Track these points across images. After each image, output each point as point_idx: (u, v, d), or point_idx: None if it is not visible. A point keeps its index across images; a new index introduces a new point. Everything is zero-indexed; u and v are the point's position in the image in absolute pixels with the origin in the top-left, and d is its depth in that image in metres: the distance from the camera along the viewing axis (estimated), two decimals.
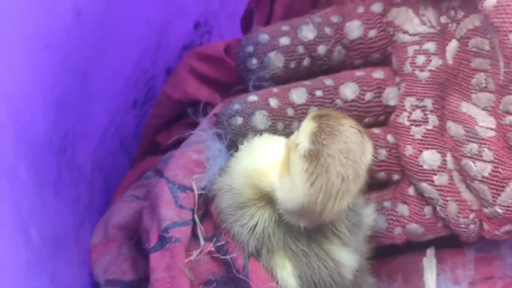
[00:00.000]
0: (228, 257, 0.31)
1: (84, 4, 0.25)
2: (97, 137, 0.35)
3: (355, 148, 0.28)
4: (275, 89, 0.35)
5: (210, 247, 0.31)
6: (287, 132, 0.34)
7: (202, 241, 0.32)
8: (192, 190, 0.33)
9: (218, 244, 0.31)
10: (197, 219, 0.32)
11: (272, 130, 0.34)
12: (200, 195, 0.33)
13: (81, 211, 0.33)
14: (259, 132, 0.34)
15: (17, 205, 0.20)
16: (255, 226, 0.30)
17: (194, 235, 0.32)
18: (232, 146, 0.34)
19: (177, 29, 0.39)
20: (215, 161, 0.34)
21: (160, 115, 0.43)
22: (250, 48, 0.35)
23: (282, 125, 0.34)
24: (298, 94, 0.35)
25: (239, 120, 0.34)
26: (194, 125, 0.37)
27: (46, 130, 0.26)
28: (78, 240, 0.32)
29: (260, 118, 0.34)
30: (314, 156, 0.27)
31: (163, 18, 0.37)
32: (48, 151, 0.26)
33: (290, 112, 0.34)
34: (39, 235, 0.22)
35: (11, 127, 0.22)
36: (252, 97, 0.34)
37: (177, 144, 0.40)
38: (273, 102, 0.34)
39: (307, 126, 0.28)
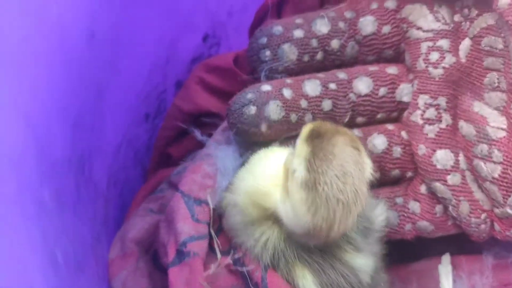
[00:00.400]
0: (245, 269, 0.31)
1: (97, 25, 0.26)
2: (111, 153, 0.35)
3: (353, 169, 0.27)
4: (288, 80, 0.34)
5: (227, 260, 0.31)
6: (300, 124, 0.33)
7: (219, 255, 0.32)
8: (207, 204, 0.33)
9: (235, 257, 0.31)
10: (213, 233, 0.33)
11: (285, 121, 0.33)
12: (214, 209, 0.33)
13: (98, 227, 0.34)
14: (272, 122, 0.33)
15: (43, 230, 0.20)
16: (267, 241, 0.30)
17: (210, 248, 0.32)
18: (242, 155, 0.34)
19: (186, 43, 0.40)
20: (223, 176, 0.34)
21: (172, 128, 0.43)
22: (264, 40, 0.35)
23: (296, 116, 0.34)
24: (311, 86, 0.34)
25: (252, 110, 0.33)
26: (203, 136, 0.38)
27: (65, 151, 0.26)
28: (96, 256, 0.33)
29: (273, 108, 0.33)
30: (311, 186, 0.27)
31: (172, 33, 0.38)
32: (67, 172, 0.27)
33: (303, 103, 0.34)
34: (63, 257, 0.23)
35: (34, 151, 0.22)
36: (266, 87, 0.34)
37: (189, 155, 0.40)
38: (287, 93, 0.34)
39: (301, 150, 0.28)
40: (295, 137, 0.32)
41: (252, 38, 0.35)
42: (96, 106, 0.30)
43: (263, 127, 0.33)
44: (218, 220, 0.34)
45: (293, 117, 0.33)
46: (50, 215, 0.22)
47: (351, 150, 0.28)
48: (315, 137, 0.28)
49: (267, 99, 0.33)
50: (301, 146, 0.28)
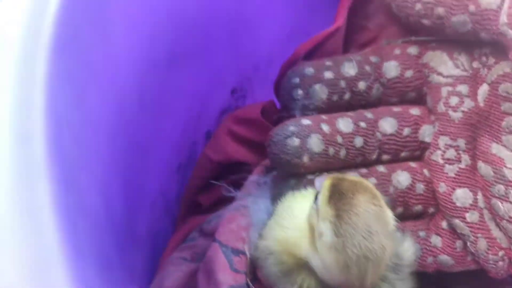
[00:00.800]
0: None
1: (145, 90, 0.27)
2: (148, 207, 0.37)
3: (377, 227, 0.28)
4: (324, 116, 0.36)
5: None
6: (336, 158, 0.35)
7: None
8: (244, 253, 0.34)
9: None
10: (249, 282, 0.34)
11: (325, 154, 0.35)
12: (250, 258, 0.34)
13: (136, 280, 0.35)
14: (313, 154, 0.34)
15: None
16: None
17: None
18: (274, 205, 0.36)
19: (216, 97, 0.41)
20: (256, 227, 0.35)
21: (201, 177, 0.44)
22: (296, 80, 0.37)
23: (333, 150, 0.35)
24: (344, 123, 0.36)
25: (296, 141, 0.34)
26: (234, 185, 0.39)
27: (115, 210, 0.28)
28: None
29: (315, 141, 0.35)
30: (340, 249, 0.28)
31: (206, 89, 0.39)
32: (116, 233, 0.28)
33: (339, 139, 0.35)
34: None
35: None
36: (306, 121, 0.35)
37: (218, 204, 0.41)
38: (325, 128, 0.35)
39: (326, 212, 0.29)
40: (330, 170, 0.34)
41: (285, 78, 0.37)
42: (142, 164, 0.31)
43: (305, 159, 0.34)
44: (252, 270, 0.35)
45: (331, 151, 0.35)
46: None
47: (373, 207, 0.29)
48: (337, 197, 0.29)
49: (309, 132, 0.35)
50: (325, 208, 0.29)
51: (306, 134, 0.34)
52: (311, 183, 0.35)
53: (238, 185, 0.39)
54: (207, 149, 0.44)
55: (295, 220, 0.32)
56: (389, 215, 0.30)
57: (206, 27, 0.34)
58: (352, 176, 0.32)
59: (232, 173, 0.42)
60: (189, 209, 0.46)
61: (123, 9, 0.22)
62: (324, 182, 0.31)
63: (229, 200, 0.38)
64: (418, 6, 0.35)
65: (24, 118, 0.17)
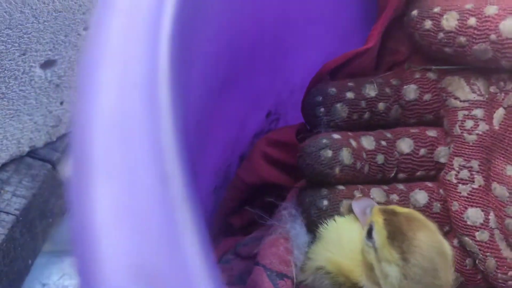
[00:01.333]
0: None
1: (190, 114, 0.28)
2: None
3: (441, 262, 0.29)
4: (349, 133, 0.38)
5: None
6: (361, 172, 0.37)
7: None
8: (288, 277, 0.34)
9: None
10: None
11: (353, 167, 0.37)
12: (296, 282, 0.34)
13: None
14: (344, 166, 0.36)
15: None
16: None
17: None
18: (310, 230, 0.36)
19: (252, 121, 0.42)
20: (299, 251, 0.35)
21: (234, 198, 0.45)
22: (319, 98, 0.39)
23: (360, 164, 0.37)
24: (367, 141, 0.38)
25: (329, 153, 0.36)
26: (266, 208, 0.39)
27: None
28: None
29: (346, 154, 0.36)
30: None
31: (245, 114, 0.40)
32: None
33: (364, 155, 0.37)
34: None
35: None
36: (336, 135, 0.37)
37: (250, 226, 0.42)
38: (353, 143, 0.37)
39: (390, 255, 0.29)
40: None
41: (309, 95, 0.39)
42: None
43: (337, 170, 0.36)
44: None
45: (358, 165, 0.37)
46: None
47: (435, 244, 0.30)
48: (398, 238, 0.30)
49: (340, 145, 0.36)
50: (388, 250, 0.30)
51: (338, 147, 0.36)
52: (342, 195, 0.36)
53: (270, 208, 0.40)
54: (240, 171, 0.45)
55: (344, 249, 0.33)
56: (447, 246, 0.30)
57: (251, 53, 0.35)
58: (399, 207, 0.33)
59: (265, 195, 0.42)
60: (220, 230, 0.46)
61: (201, 36, 0.23)
62: (374, 216, 0.31)
63: (261, 222, 0.38)
64: (441, 35, 0.36)
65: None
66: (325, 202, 0.36)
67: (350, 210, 0.35)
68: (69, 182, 0.16)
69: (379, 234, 0.30)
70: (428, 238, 0.29)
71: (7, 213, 0.48)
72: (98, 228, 0.15)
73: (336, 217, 0.35)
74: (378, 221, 0.31)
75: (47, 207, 0.54)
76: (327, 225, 0.34)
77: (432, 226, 0.31)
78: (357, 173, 0.37)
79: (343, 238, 0.33)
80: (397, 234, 0.30)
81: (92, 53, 0.17)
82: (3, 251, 0.47)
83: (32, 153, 0.53)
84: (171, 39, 0.17)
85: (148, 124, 0.16)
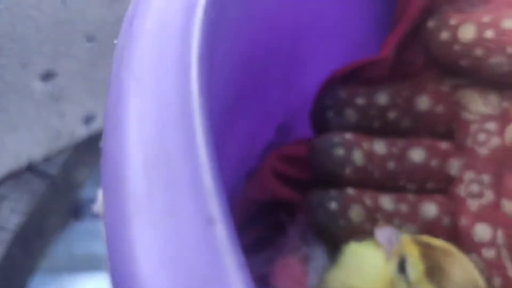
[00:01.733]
0: None
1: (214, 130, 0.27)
2: None
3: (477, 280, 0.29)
4: (361, 135, 0.37)
5: None
6: (372, 178, 0.36)
7: None
8: None
9: None
10: None
11: (364, 170, 0.36)
12: None
13: None
14: (355, 167, 0.35)
15: None
16: None
17: None
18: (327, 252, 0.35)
19: (263, 135, 0.41)
20: (314, 272, 0.34)
21: (241, 215, 0.44)
22: (329, 102, 0.38)
23: (371, 168, 0.36)
24: (379, 146, 0.37)
25: (341, 151, 0.35)
26: (274, 226, 0.38)
27: None
28: None
29: (358, 155, 0.36)
30: None
31: (254, 128, 0.39)
32: None
33: (375, 159, 0.36)
34: None
35: None
36: (348, 135, 0.36)
37: (258, 244, 0.40)
38: (365, 145, 0.36)
39: None
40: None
41: (319, 99, 0.38)
42: None
43: (347, 170, 0.35)
44: None
45: (369, 167, 0.36)
46: None
47: (471, 281, 0.29)
48: (437, 274, 0.29)
49: (352, 145, 0.36)
50: (425, 285, 0.29)
51: (350, 147, 0.36)
52: (351, 199, 0.35)
53: (280, 226, 0.38)
54: (249, 187, 0.44)
55: (366, 278, 0.31)
56: (482, 282, 0.30)
57: (264, 66, 0.34)
58: (431, 238, 0.32)
59: (275, 212, 0.41)
60: None
61: (220, 52, 0.22)
62: (407, 248, 0.31)
63: (268, 241, 0.37)
64: (457, 47, 0.36)
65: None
66: (334, 205, 0.35)
67: (361, 220, 0.34)
68: (105, 222, 0.15)
69: (415, 268, 0.29)
70: (466, 275, 0.29)
71: (6, 229, 0.47)
72: (143, 280, 0.14)
73: (355, 243, 0.33)
74: (413, 254, 0.30)
75: (45, 224, 0.53)
76: (346, 249, 0.33)
77: (466, 260, 0.30)
78: (367, 177, 0.36)
79: (365, 266, 0.32)
80: (435, 269, 0.29)
81: (124, 80, 0.15)
82: (1, 270, 0.45)
83: (31, 167, 0.52)
84: (200, 59, 0.16)
85: (189, 163, 0.15)
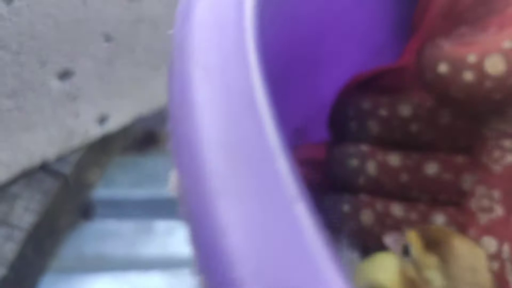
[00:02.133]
0: None
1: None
2: None
3: (478, 263, 0.30)
4: (376, 147, 0.38)
5: None
6: (384, 189, 0.37)
7: None
8: None
9: None
10: None
11: (377, 180, 0.37)
12: None
13: None
14: (369, 177, 0.37)
15: None
16: None
17: None
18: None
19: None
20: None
21: None
22: (351, 112, 0.38)
23: (383, 178, 0.37)
24: (394, 158, 0.37)
25: (355, 162, 0.36)
26: None
27: None
28: None
29: (372, 166, 0.37)
30: None
31: None
32: None
33: (388, 171, 0.37)
34: None
35: None
36: (364, 147, 0.37)
37: None
38: (380, 157, 0.37)
39: (429, 260, 0.30)
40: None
41: (341, 108, 0.39)
42: None
43: (361, 180, 0.36)
44: None
45: (382, 178, 0.37)
46: None
47: (469, 247, 0.31)
48: (433, 245, 0.30)
49: (367, 157, 0.37)
50: (425, 256, 0.30)
51: (365, 158, 0.36)
52: (363, 204, 0.36)
53: None
54: None
55: (388, 271, 0.32)
56: (481, 250, 0.31)
57: (285, 70, 0.34)
58: (429, 226, 0.34)
59: None
60: None
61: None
62: (407, 236, 0.32)
63: None
64: (488, 83, 0.34)
65: None
66: (346, 207, 0.36)
67: (371, 223, 0.35)
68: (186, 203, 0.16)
69: (415, 245, 0.31)
70: (463, 243, 0.30)
71: (20, 228, 0.47)
72: (232, 253, 0.15)
73: (367, 261, 0.34)
74: (412, 235, 0.31)
75: (56, 223, 0.53)
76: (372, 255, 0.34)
77: (462, 236, 0.31)
78: (380, 187, 0.37)
79: (386, 263, 0.33)
80: (432, 242, 0.30)
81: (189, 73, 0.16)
82: (14, 269, 0.45)
83: (44, 166, 0.52)
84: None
85: (264, 148, 0.16)
